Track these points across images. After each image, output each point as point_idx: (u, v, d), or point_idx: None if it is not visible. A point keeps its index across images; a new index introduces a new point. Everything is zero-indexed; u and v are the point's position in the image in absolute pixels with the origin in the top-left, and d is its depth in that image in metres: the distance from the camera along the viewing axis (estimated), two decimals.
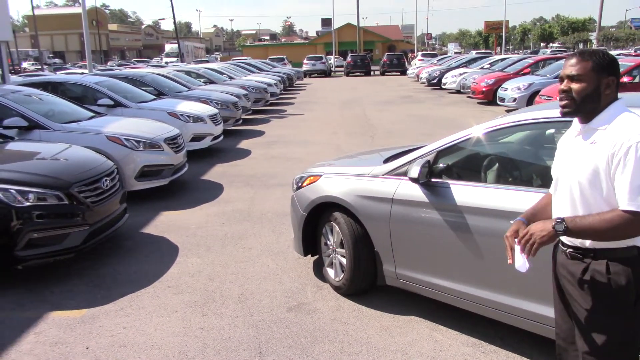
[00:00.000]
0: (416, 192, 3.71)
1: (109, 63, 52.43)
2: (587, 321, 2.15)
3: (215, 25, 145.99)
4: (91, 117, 7.88)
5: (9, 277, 4.67)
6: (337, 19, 65.18)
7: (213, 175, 8.76)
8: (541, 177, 3.34)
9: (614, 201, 2.04)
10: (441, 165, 3.76)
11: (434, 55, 43.15)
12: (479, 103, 18.40)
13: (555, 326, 2.45)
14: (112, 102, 9.40)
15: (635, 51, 32.44)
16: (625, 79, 12.35)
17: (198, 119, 10.10)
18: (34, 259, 4.57)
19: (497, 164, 3.69)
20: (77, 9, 60.47)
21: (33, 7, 53.59)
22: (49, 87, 9.60)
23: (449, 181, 3.62)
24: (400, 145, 5.42)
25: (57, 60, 63.31)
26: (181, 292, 4.43)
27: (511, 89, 15.54)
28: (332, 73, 45.22)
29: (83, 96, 9.72)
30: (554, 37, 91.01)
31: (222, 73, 19.30)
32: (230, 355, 3.49)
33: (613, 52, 30.24)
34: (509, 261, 2.23)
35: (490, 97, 17.47)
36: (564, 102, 2.16)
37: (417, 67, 34.20)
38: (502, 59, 23.09)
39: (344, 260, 4.23)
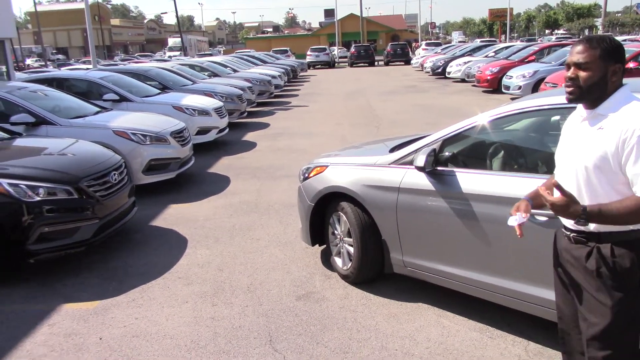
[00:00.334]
0: (422, 181, 3.74)
1: (116, 58, 52.53)
2: (592, 304, 2.18)
3: (217, 19, 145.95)
4: (97, 112, 7.93)
5: (22, 271, 4.74)
6: (340, 10, 64.79)
7: (219, 168, 8.82)
8: (546, 164, 3.36)
9: (620, 186, 2.07)
10: (447, 153, 3.79)
11: (438, 45, 42.96)
12: (484, 91, 18.35)
13: (557, 310, 2.48)
14: (117, 97, 9.45)
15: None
16: (631, 65, 12.29)
17: (203, 112, 10.13)
18: (46, 253, 4.64)
19: (502, 152, 3.72)
20: (79, 5, 60.50)
21: (35, 4, 53.67)
22: (54, 83, 9.66)
23: (455, 169, 3.65)
24: (405, 135, 5.44)
25: (60, 56, 63.42)
26: (191, 283, 4.49)
27: (516, 77, 15.49)
28: (336, 64, 45.17)
29: (88, 91, 9.77)
30: (559, 23, 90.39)
31: (225, 66, 19.33)
32: (242, 344, 3.55)
33: (619, 38, 30.03)
34: (519, 233, 2.31)
35: (495, 86, 17.42)
36: (570, 89, 2.17)
37: (422, 57, 34.10)
38: (507, 47, 22.99)
39: (351, 249, 4.27)
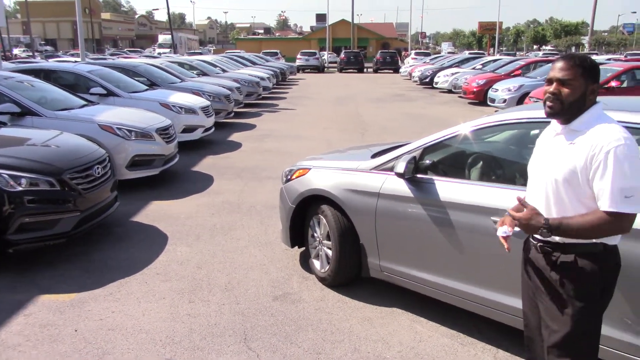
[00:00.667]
0: (402, 187, 3.82)
1: (107, 52, 52.12)
2: (554, 312, 2.26)
3: (209, 18, 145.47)
4: (83, 106, 7.91)
5: (1, 261, 4.73)
6: (332, 15, 64.93)
7: (204, 167, 8.83)
8: (524, 176, 3.43)
9: (587, 200, 2.15)
10: (427, 161, 3.86)
11: (427, 54, 43.28)
12: (470, 103, 18.56)
13: (524, 317, 2.57)
14: (104, 91, 9.42)
15: (625, 56, 32.75)
16: (613, 84, 12.54)
17: (190, 111, 10.15)
18: (25, 243, 4.63)
19: (481, 162, 3.81)
20: None
21: None
22: (42, 74, 9.58)
23: (434, 177, 3.73)
24: (390, 142, 5.52)
25: (48, 48, 62.82)
26: (169, 280, 4.52)
27: (501, 90, 15.71)
28: (326, 69, 45.28)
29: (75, 84, 9.71)
30: (547, 39, 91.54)
31: (215, 65, 19.30)
32: (216, 341, 3.59)
33: (604, 57, 30.54)
34: (507, 247, 2.30)
35: (481, 98, 17.63)
36: (551, 104, 2.23)
37: (410, 66, 34.32)
38: (494, 60, 23.27)
39: (329, 252, 4.33)
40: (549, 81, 2.26)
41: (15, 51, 50.22)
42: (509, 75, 18.10)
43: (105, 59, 25.12)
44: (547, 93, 2.25)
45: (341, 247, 4.20)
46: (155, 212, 6.33)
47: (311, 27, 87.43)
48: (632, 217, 2.10)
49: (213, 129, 11.03)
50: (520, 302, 3.14)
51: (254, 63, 26.97)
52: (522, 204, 2.27)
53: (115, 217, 5.97)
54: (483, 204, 3.34)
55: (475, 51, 56.90)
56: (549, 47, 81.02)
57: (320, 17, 75.13)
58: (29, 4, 54.54)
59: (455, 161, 3.96)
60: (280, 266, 4.83)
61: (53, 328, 3.73)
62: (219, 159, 9.50)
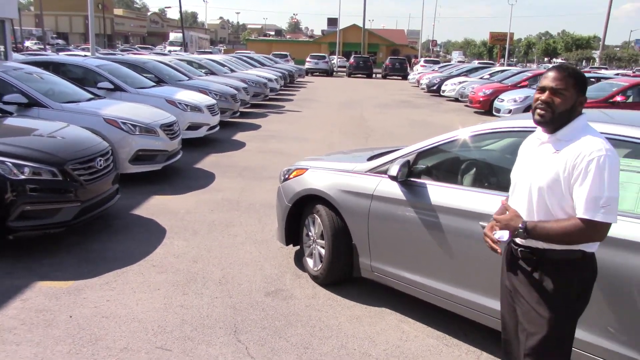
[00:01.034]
0: (395, 190, 3.90)
1: (119, 48, 52.45)
2: (532, 316, 2.32)
3: (221, 17, 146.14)
4: (90, 99, 8.02)
5: (1, 246, 4.83)
6: (344, 20, 65.37)
7: (206, 164, 8.93)
8: None
9: (568, 208, 2.22)
10: (421, 165, 3.94)
11: (436, 62, 43.39)
12: (476, 112, 18.61)
13: (502, 321, 2.63)
14: (112, 86, 9.54)
15: (633, 72, 32.73)
16: (618, 98, 12.58)
17: (195, 109, 10.26)
18: (25, 231, 4.74)
19: (473, 168, 3.88)
20: None
21: None
22: (51, 67, 9.72)
23: (427, 181, 3.80)
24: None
25: (60, 41, 63.21)
26: (165, 272, 4.61)
27: (507, 101, 15.78)
28: (334, 73, 45.41)
29: (84, 78, 9.84)
30: (558, 52, 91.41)
31: (223, 65, 19.44)
32: (207, 332, 3.67)
33: (612, 72, 30.53)
34: (498, 252, 2.37)
35: (487, 107, 17.69)
36: (543, 113, 2.27)
37: (419, 73, 34.45)
38: (502, 71, 23.35)
39: (323, 251, 4.41)
40: (542, 89, 2.29)
41: (27, 43, 50.61)
42: (515, 86, 18.17)
43: (115, 54, 25.31)
44: (539, 101, 2.28)
45: (334, 246, 4.28)
46: (155, 207, 6.42)
47: (322, 31, 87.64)
48: (606, 226, 2.16)
49: (218, 128, 11.14)
50: None
51: (262, 64, 27.11)
52: (506, 207, 2.37)
53: (116, 210, 6.07)
54: (473, 209, 3.41)
55: (485, 61, 56.94)
56: (559, 60, 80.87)
57: (332, 21, 75.42)
58: None
59: (448, 166, 4.04)
60: (274, 263, 4.91)
61: (48, 313, 3.82)
62: (222, 157, 9.59)
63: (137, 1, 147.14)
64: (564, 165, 2.19)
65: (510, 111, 15.36)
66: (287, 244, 4.90)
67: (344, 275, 4.38)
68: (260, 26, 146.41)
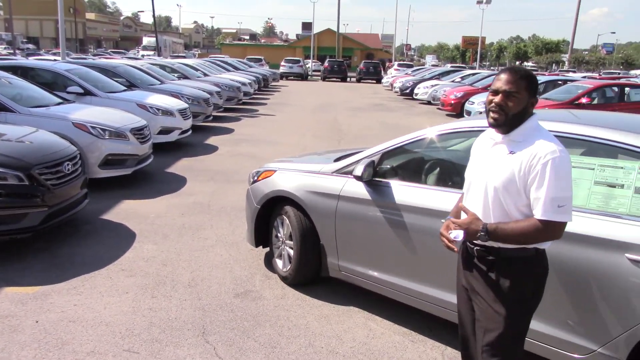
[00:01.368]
0: (360, 190, 3.96)
1: (91, 52, 51.73)
2: (489, 313, 2.37)
3: (195, 22, 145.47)
4: (59, 104, 7.95)
5: None
6: (318, 24, 65.60)
7: (178, 169, 8.90)
8: None
9: (524, 208, 2.28)
10: (386, 165, 4.02)
11: (410, 66, 43.83)
12: (448, 115, 18.85)
13: (459, 318, 2.69)
14: (81, 90, 9.44)
15: (599, 74, 33.56)
16: (583, 100, 12.89)
17: (167, 113, 10.21)
18: None
19: (436, 167, 3.97)
20: None
21: None
22: (19, 71, 9.58)
23: (392, 181, 3.88)
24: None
25: (30, 46, 62.16)
26: (134, 275, 4.60)
27: (477, 103, 16.01)
28: (309, 77, 45.52)
29: (53, 82, 9.72)
30: (529, 56, 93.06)
31: (196, 69, 19.37)
32: (175, 334, 3.68)
33: (579, 74, 31.24)
34: (455, 250, 2.43)
35: (458, 110, 17.94)
36: (497, 116, 2.30)
37: (392, 77, 34.73)
38: (473, 74, 23.69)
39: (291, 252, 4.45)
40: (495, 92, 2.32)
41: None
42: (486, 89, 18.42)
43: (86, 59, 25.00)
44: (492, 104, 2.32)
45: (302, 247, 4.32)
46: (125, 211, 6.39)
47: (297, 35, 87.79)
48: (563, 225, 2.24)
49: (190, 132, 11.10)
50: None
51: (236, 68, 27.08)
52: (462, 209, 2.42)
53: (85, 215, 6.02)
54: (437, 207, 3.48)
55: (458, 65, 57.67)
56: (530, 64, 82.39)
57: (306, 26, 75.46)
58: (12, 0, 54.00)
59: (412, 166, 4.12)
60: (244, 265, 4.93)
61: (14, 319, 3.78)
62: (194, 162, 9.57)
63: (110, 5, 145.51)
64: (519, 166, 2.24)
65: (480, 113, 15.57)
66: (257, 245, 4.93)
67: (313, 275, 4.43)
68: (235, 30, 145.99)
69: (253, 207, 4.79)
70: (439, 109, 20.14)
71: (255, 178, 4.89)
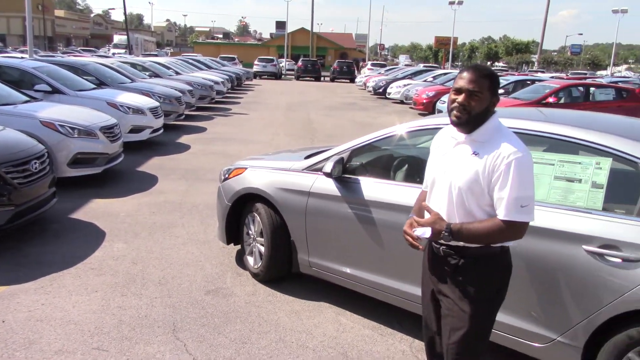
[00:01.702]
0: (330, 187, 4.01)
1: (60, 50, 50.74)
2: (454, 312, 2.36)
3: (168, 20, 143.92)
4: (26, 102, 7.82)
5: None
6: (292, 23, 65.63)
7: (149, 167, 8.83)
8: None
9: (487, 207, 2.28)
10: (355, 162, 4.08)
11: (383, 66, 44.14)
12: (420, 114, 19.03)
13: (424, 318, 2.68)
14: (49, 89, 9.30)
15: (567, 75, 34.34)
16: (550, 100, 13.18)
17: (138, 111, 10.12)
18: None
19: (404, 163, 4.04)
20: None
21: None
22: None
23: (360, 177, 3.94)
24: None
25: None
26: (103, 274, 4.56)
27: None
28: (283, 76, 45.48)
29: (20, 80, 9.53)
30: (499, 56, 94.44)
31: (168, 68, 19.19)
32: (145, 331, 3.67)
33: (547, 75, 31.89)
34: (420, 248, 2.40)
35: (430, 109, 18.15)
36: (459, 114, 2.27)
37: (366, 76, 34.92)
38: (445, 73, 23.98)
39: (262, 249, 4.48)
40: (458, 91, 2.28)
41: None
42: None
43: (55, 56, 24.55)
44: (455, 103, 2.28)
45: (273, 243, 4.36)
46: (94, 210, 6.33)
47: (271, 34, 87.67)
48: (526, 225, 2.26)
49: (162, 131, 11.02)
50: None
51: (209, 67, 26.91)
52: (425, 208, 2.42)
53: (53, 214, 5.95)
54: (404, 202, 3.54)
55: (430, 64, 58.27)
56: (501, 64, 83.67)
57: (280, 25, 75.40)
58: None
59: (381, 162, 4.19)
60: (215, 263, 4.94)
61: None
62: (166, 160, 9.51)
63: (80, 2, 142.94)
64: (483, 167, 2.23)
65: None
66: (228, 243, 4.94)
67: (284, 271, 4.47)
68: (208, 29, 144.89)
69: (224, 205, 4.80)
70: (411, 108, 20.35)
71: (227, 176, 4.90)
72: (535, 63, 62.49)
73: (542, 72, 45.66)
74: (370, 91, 28.43)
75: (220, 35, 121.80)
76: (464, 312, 2.33)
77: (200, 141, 11.65)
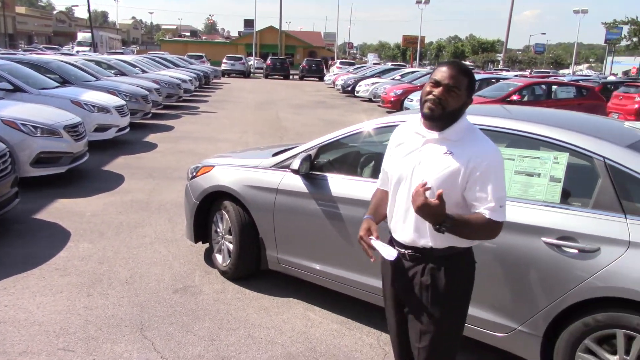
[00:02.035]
0: (298, 183, 4.04)
1: (22, 47, 49.40)
2: (424, 316, 2.28)
3: (133, 17, 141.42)
4: None
5: None
6: (261, 21, 65.39)
7: (115, 166, 8.71)
8: None
9: (455, 209, 2.18)
10: (322, 159, 4.12)
11: (352, 64, 44.34)
12: (388, 112, 19.20)
13: (390, 326, 2.58)
14: (11, 87, 9.10)
15: (530, 73, 35.11)
16: (514, 97, 13.47)
17: (103, 110, 9.96)
18: None
19: (371, 160, 4.10)
20: None
21: None
22: None
23: (327, 174, 3.98)
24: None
25: None
26: (68, 275, 4.50)
27: (416, 100, 16.40)
28: (251, 74, 45.27)
29: None
30: (466, 55, 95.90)
31: (134, 66, 18.92)
32: (112, 331, 3.64)
33: (512, 73, 32.54)
34: (372, 260, 2.31)
35: (397, 107, 18.34)
36: (433, 107, 2.15)
37: (334, 74, 35.04)
38: (412, 72, 24.24)
39: (231, 247, 4.48)
40: (436, 84, 2.17)
41: None
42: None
43: (16, 54, 23.94)
44: (431, 95, 2.17)
45: (241, 241, 4.36)
46: (59, 210, 6.22)
47: (239, 32, 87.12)
48: (502, 224, 2.22)
49: (128, 129, 10.87)
50: None
51: (176, 65, 26.60)
52: (439, 197, 2.04)
53: (16, 214, 5.82)
54: (369, 198, 3.59)
55: (398, 63, 58.78)
56: (467, 62, 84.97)
57: (248, 23, 74.94)
58: None
59: (348, 159, 4.24)
60: (183, 261, 4.92)
61: None
62: (132, 159, 9.39)
63: None
64: (460, 166, 2.15)
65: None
66: (196, 241, 4.93)
67: (252, 268, 4.48)
68: (175, 27, 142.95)
69: (192, 203, 4.78)
70: (379, 106, 20.51)
71: (194, 174, 4.89)
72: (501, 62, 63.65)
73: (507, 70, 46.59)
74: (339, 89, 28.53)
75: (188, 33, 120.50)
76: (433, 315, 2.27)
77: (168, 140, 11.53)
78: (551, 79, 19.57)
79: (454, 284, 2.28)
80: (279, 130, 13.67)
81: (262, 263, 4.40)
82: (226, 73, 41.10)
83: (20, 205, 5.76)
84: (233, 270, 4.48)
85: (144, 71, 18.92)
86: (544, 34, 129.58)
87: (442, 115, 2.17)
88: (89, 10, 51.37)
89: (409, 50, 79.67)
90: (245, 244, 4.36)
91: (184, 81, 19.45)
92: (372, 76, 26.98)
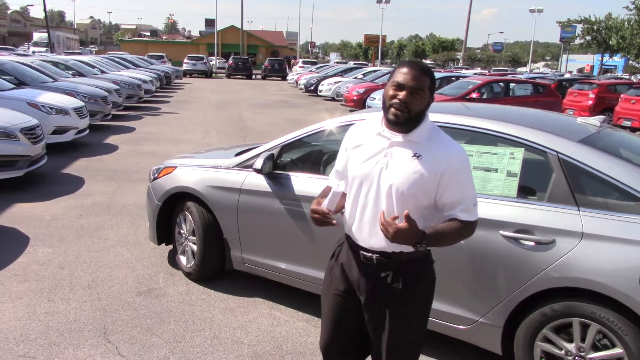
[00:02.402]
0: (261, 183, 4.05)
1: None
2: (393, 321, 2.23)
3: (92, 17, 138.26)
4: None
5: None
6: (222, 21, 64.87)
7: (75, 169, 8.52)
8: None
9: (424, 211, 2.17)
10: (285, 158, 4.14)
11: (314, 63, 44.44)
12: (351, 110, 19.33)
13: (329, 325, 2.46)
14: None
15: (489, 71, 35.88)
16: (474, 95, 13.74)
17: (61, 111, 9.73)
18: None
19: (333, 158, 4.09)
20: None
21: None
22: None
23: (290, 173, 4.00)
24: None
25: None
26: (27, 280, 4.40)
27: (378, 99, 16.55)
28: (213, 74, 44.88)
29: None
30: (426, 54, 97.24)
31: (93, 66, 18.54)
32: (74, 336, 3.58)
33: (471, 72, 33.19)
34: (334, 223, 2.22)
35: (360, 105, 18.47)
36: (399, 112, 2.10)
37: (297, 74, 35.06)
38: (374, 71, 24.47)
39: (195, 248, 4.46)
40: (399, 87, 2.10)
41: None
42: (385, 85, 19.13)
43: None
44: (396, 99, 2.10)
45: (205, 241, 4.34)
46: (17, 214, 6.06)
47: (200, 32, 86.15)
48: (477, 221, 2.24)
49: (87, 131, 10.65)
50: None
51: (136, 65, 26.21)
52: (408, 220, 1.99)
53: None
54: None
55: (360, 62, 59.18)
56: (428, 61, 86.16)
57: (210, 22, 74.31)
58: None
59: (310, 157, 4.27)
60: (147, 264, 4.87)
61: None
62: (92, 162, 9.20)
63: None
64: (429, 169, 2.11)
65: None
66: (159, 243, 4.88)
67: (217, 269, 4.47)
68: (134, 26, 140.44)
69: (154, 205, 4.74)
70: (342, 104, 20.63)
71: (156, 175, 4.84)
72: (460, 60, 64.83)
73: (467, 69, 47.44)
74: (302, 89, 28.56)
75: (148, 33, 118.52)
76: (403, 318, 2.24)
77: (129, 141, 11.35)
78: (509, 77, 20.05)
79: (421, 286, 2.27)
80: (242, 130, 13.61)
81: (227, 263, 4.39)
82: (188, 73, 40.65)
83: None
84: (197, 271, 4.45)
85: (103, 72, 18.58)
86: (502, 32, 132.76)
87: (408, 119, 2.12)
88: (44, 10, 49.99)
89: (370, 50, 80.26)
90: (209, 244, 4.35)
91: (144, 82, 19.15)
92: (334, 75, 27.08)
